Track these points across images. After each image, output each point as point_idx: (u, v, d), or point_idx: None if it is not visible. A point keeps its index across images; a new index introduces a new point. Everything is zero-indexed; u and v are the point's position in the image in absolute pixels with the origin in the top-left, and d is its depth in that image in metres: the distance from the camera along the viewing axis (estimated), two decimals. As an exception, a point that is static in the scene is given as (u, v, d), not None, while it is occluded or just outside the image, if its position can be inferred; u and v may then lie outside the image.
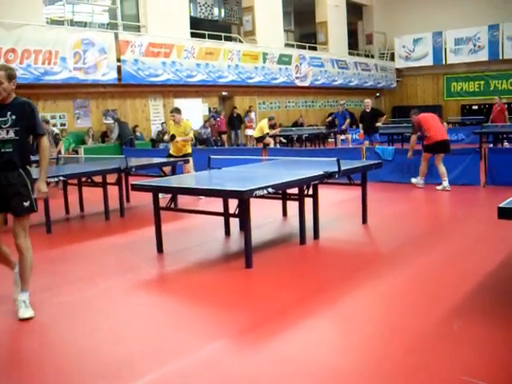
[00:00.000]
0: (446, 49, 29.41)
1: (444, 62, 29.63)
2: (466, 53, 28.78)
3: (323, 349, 4.03)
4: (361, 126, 16.15)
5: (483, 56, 28.48)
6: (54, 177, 8.55)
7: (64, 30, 16.24)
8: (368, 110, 15.63)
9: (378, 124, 15.52)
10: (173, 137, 10.63)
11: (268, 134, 18.21)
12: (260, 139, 18.26)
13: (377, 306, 4.92)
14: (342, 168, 7.11)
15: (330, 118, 21.51)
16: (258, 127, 18.61)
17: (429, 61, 30.02)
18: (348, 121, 19.66)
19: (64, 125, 16.77)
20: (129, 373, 3.73)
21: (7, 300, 5.09)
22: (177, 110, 11.02)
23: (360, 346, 4.07)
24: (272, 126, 18.95)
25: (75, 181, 9.84)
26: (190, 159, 10.89)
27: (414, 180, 11.18)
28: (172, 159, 10.68)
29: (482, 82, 29.60)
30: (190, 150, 11.09)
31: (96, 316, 4.78)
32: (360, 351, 3.98)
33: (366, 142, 15.24)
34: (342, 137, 20.97)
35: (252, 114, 22.69)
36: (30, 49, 14.81)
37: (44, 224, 8.23)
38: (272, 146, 18.23)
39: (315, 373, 3.64)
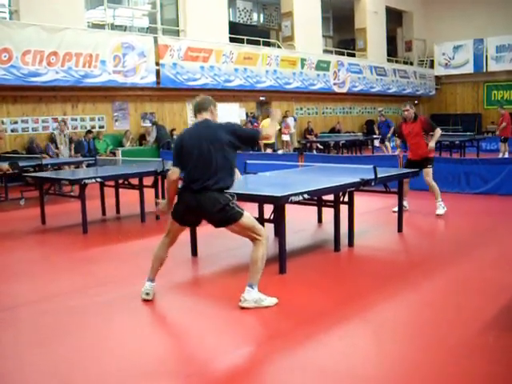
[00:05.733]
0: (487, 56, 28.95)
1: (485, 70, 29.17)
2: (508, 60, 28.27)
3: (354, 357, 3.99)
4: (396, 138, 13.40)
5: (525, 64, 28.00)
6: (91, 178, 8.67)
7: (104, 34, 16.48)
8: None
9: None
10: None
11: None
12: (270, 145, 17.18)
13: (410, 315, 4.86)
14: (379, 175, 7.06)
15: (379, 131, 20.97)
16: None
17: (469, 68, 29.60)
18: (392, 129, 19.18)
19: (103, 127, 17.00)
20: (159, 374, 3.74)
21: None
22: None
23: (392, 355, 4.02)
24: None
25: (112, 183, 9.94)
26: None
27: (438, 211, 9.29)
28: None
29: (524, 91, 29.12)
30: None
31: (127, 317, 4.81)
32: (391, 361, 3.93)
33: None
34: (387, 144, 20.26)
35: (288, 120, 22.20)
36: (71, 52, 15.05)
37: (81, 224, 8.33)
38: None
39: (345, 381, 3.61)
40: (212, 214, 4.86)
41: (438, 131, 9.28)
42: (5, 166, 9.10)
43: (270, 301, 4.96)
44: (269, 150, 17.34)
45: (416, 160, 9.23)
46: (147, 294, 5.16)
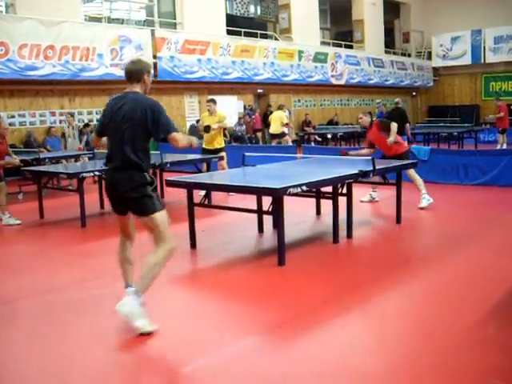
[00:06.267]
0: (484, 47, 28.87)
1: (482, 61, 29.10)
2: (506, 51, 28.18)
3: (353, 349, 4.00)
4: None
5: (523, 55, 27.95)
6: (89, 172, 8.66)
7: (101, 27, 16.41)
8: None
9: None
10: (207, 128, 10.14)
11: (288, 124, 16.57)
12: (278, 136, 16.41)
13: (409, 307, 4.86)
14: (377, 167, 7.06)
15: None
16: (277, 119, 16.30)
17: (467, 60, 29.53)
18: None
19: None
20: (159, 366, 3.75)
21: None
22: (213, 101, 11.07)
23: (390, 346, 4.03)
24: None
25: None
26: (225, 155, 10.88)
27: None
28: (207, 156, 10.68)
29: (522, 82, 29.09)
30: (222, 144, 11.06)
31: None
32: (391, 352, 3.93)
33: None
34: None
35: (286, 112, 22.23)
36: (68, 45, 14.98)
37: (79, 218, 8.32)
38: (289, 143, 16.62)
39: (345, 373, 3.62)
40: (126, 195, 4.33)
41: (394, 126, 8.97)
42: (16, 160, 9.16)
43: (144, 325, 4.22)
44: (274, 143, 17.30)
45: (390, 156, 9.04)
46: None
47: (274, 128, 16.37)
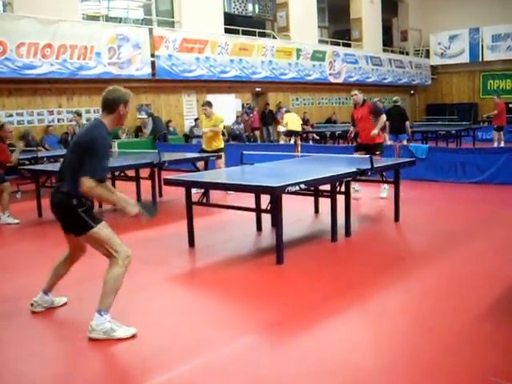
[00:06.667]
0: (482, 45, 28.87)
1: (480, 59, 29.10)
2: (504, 50, 28.18)
3: (351, 347, 4.01)
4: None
5: (521, 53, 27.95)
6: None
7: (99, 26, 16.38)
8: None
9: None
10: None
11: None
12: (297, 133, 17.30)
13: (407, 304, 4.87)
14: (375, 165, 7.07)
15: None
16: (296, 119, 17.49)
17: (465, 58, 29.53)
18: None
19: (98, 119, 16.91)
20: (157, 365, 3.75)
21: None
22: (208, 104, 10.97)
23: (389, 344, 4.04)
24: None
25: (108, 175, 9.91)
26: (223, 154, 10.88)
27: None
28: (204, 154, 10.69)
29: (520, 80, 29.09)
30: (221, 145, 11.03)
31: (126, 308, 4.82)
32: (390, 350, 3.94)
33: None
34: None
35: (283, 110, 22.22)
36: (66, 44, 14.97)
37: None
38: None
39: (343, 371, 3.62)
40: (60, 217, 4.34)
41: (383, 118, 9.51)
42: (15, 157, 9.26)
43: (125, 331, 4.18)
44: (282, 140, 17.36)
45: (364, 144, 9.52)
46: (31, 304, 4.75)
47: (296, 126, 17.26)
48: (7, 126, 9.10)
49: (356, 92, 9.66)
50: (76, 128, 14.20)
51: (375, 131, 9.25)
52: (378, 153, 9.18)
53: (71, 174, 4.15)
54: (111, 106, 4.23)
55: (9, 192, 8.83)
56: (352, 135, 10.74)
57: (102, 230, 4.28)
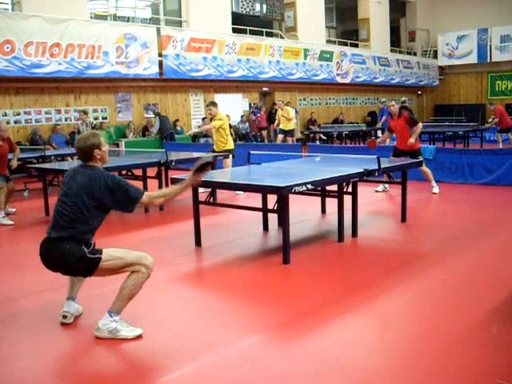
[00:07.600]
0: (491, 46, 28.74)
1: (489, 60, 28.98)
2: (513, 50, 28.12)
3: (358, 347, 3.99)
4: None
5: (530, 54, 27.82)
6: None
7: (107, 25, 16.42)
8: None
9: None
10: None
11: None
12: (288, 133, 16.79)
13: (414, 306, 4.85)
14: (382, 166, 7.05)
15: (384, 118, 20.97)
16: (287, 116, 16.50)
17: (473, 58, 29.40)
18: (384, 118, 19.18)
19: (106, 118, 16.98)
20: (164, 364, 3.75)
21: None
22: (213, 104, 10.92)
23: (395, 345, 4.02)
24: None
25: (116, 173, 9.91)
26: (230, 155, 10.83)
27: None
28: (212, 154, 10.68)
29: (529, 81, 28.97)
30: (231, 146, 10.97)
31: (133, 308, 4.82)
32: (395, 351, 3.93)
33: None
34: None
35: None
36: (73, 43, 15.02)
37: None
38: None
39: (349, 371, 3.61)
40: (63, 269, 4.21)
41: (419, 127, 9.74)
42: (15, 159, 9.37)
43: (130, 332, 4.20)
44: (289, 140, 17.26)
45: (403, 150, 9.75)
46: (64, 316, 4.54)
47: (286, 124, 16.63)
48: (3, 125, 9.00)
49: (393, 103, 9.84)
50: (81, 127, 13.98)
51: (412, 140, 9.49)
52: (419, 158, 9.31)
53: (75, 219, 4.14)
54: (88, 155, 4.26)
55: (4, 192, 8.76)
56: (385, 142, 11.32)
57: (109, 253, 4.19)
